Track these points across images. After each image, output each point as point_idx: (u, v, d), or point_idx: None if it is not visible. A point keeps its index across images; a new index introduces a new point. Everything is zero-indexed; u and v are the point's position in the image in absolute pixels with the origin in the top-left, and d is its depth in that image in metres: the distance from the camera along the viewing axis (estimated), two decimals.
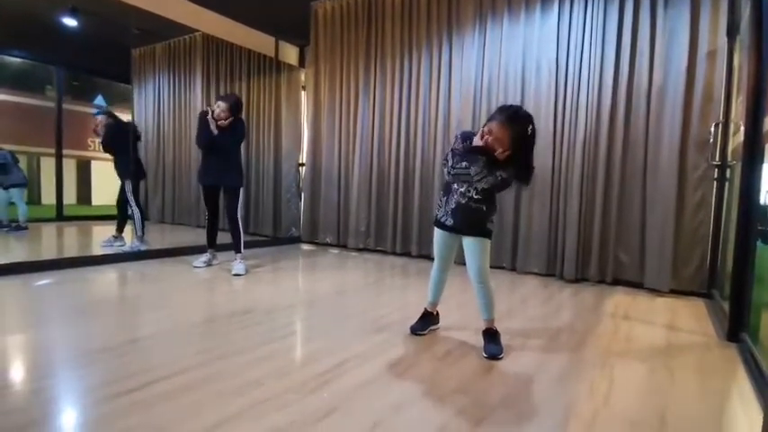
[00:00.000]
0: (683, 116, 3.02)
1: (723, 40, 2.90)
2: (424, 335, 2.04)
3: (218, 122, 3.25)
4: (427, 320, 2.09)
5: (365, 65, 4.52)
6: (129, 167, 4.01)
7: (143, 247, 3.93)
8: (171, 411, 1.28)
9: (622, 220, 3.28)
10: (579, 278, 3.38)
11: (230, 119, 3.28)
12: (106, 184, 4.25)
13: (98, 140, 4.19)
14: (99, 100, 3.97)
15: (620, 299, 2.92)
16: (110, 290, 2.97)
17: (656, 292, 3.09)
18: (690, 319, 2.50)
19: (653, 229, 3.14)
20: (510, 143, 1.71)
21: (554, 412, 1.36)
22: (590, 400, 1.45)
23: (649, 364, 1.81)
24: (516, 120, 1.71)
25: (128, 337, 1.93)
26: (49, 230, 5.81)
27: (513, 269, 3.70)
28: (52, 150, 6.77)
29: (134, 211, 4.02)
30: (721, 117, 2.91)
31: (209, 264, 3.58)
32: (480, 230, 1.87)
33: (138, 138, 4.22)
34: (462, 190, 1.85)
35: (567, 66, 3.42)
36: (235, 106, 3.31)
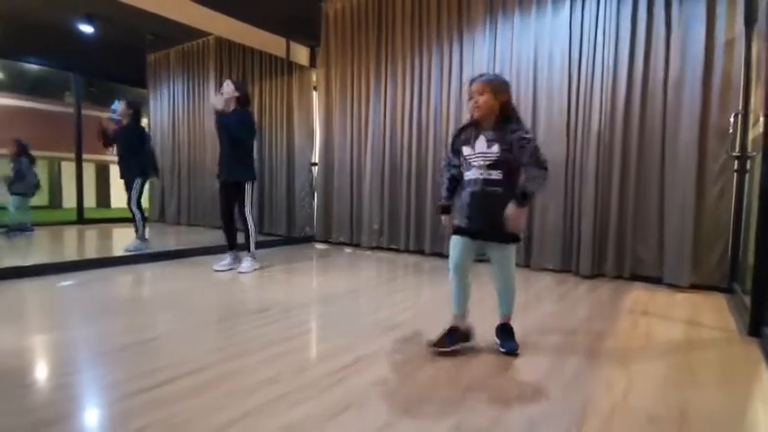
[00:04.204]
0: (702, 106, 2.95)
1: (741, 28, 2.82)
2: (448, 351, 1.75)
3: (222, 94, 3.25)
4: (454, 336, 1.79)
5: (376, 63, 4.53)
6: (141, 167, 4.05)
7: (145, 248, 3.98)
8: (190, 408, 1.31)
9: (639, 213, 3.23)
10: (595, 274, 3.34)
11: (234, 93, 3.27)
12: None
13: (111, 129, 4.05)
14: (115, 105, 4.03)
15: (638, 294, 2.87)
16: (128, 290, 3.03)
17: (675, 287, 3.04)
18: (710, 315, 2.45)
19: (671, 223, 3.08)
20: (488, 87, 1.72)
21: (572, 407, 1.35)
22: (608, 395, 1.44)
23: (669, 359, 1.78)
24: (481, 76, 1.78)
25: (147, 335, 1.97)
26: (70, 233, 5.94)
27: (528, 265, 3.66)
28: (72, 155, 6.94)
29: (135, 211, 4.04)
30: (740, 107, 2.84)
31: (230, 267, 3.45)
32: (504, 232, 1.70)
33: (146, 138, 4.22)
34: (476, 175, 1.73)
35: (580, 56, 3.37)
36: (241, 85, 3.33)
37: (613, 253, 3.28)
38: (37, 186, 5.46)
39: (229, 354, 1.74)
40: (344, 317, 2.32)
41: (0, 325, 2.14)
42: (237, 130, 3.29)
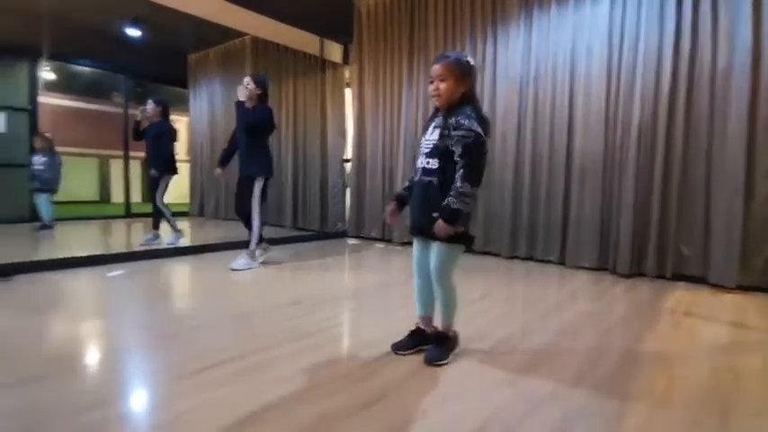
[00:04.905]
0: (751, 97, 2.79)
1: None
2: (406, 354, 1.70)
3: (246, 88, 3.26)
4: (414, 339, 1.74)
5: (408, 60, 4.52)
6: (170, 164, 4.20)
7: (180, 240, 4.19)
8: (228, 393, 1.37)
9: (683, 209, 3.09)
10: (634, 273, 3.22)
11: (256, 91, 3.29)
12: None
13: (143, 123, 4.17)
14: (149, 104, 4.20)
15: (680, 295, 2.76)
16: (169, 281, 3.18)
17: (721, 287, 2.89)
18: (759, 317, 2.32)
19: (718, 219, 2.94)
20: (450, 73, 1.54)
21: (607, 409, 1.33)
22: (647, 397, 1.40)
23: (712, 363, 1.71)
24: (444, 57, 1.60)
25: (186, 324, 2.07)
26: (118, 226, 6.28)
27: (562, 263, 3.58)
28: (120, 153, 7.30)
29: (163, 209, 4.19)
30: None
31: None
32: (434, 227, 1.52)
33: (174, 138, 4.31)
34: (418, 164, 1.64)
35: (621, 47, 3.24)
36: (262, 81, 3.36)
37: (654, 251, 3.15)
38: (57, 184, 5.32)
39: (264, 344, 1.81)
40: (376, 310, 2.36)
41: (56, 312, 2.31)
42: (256, 124, 3.32)
